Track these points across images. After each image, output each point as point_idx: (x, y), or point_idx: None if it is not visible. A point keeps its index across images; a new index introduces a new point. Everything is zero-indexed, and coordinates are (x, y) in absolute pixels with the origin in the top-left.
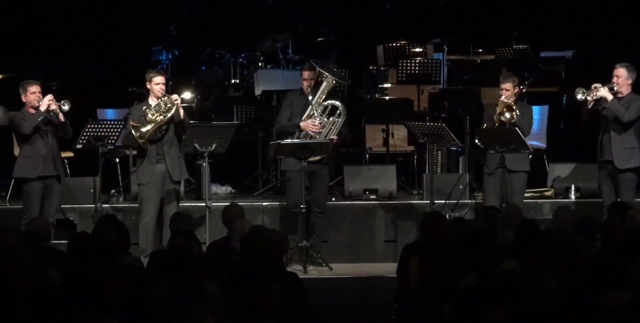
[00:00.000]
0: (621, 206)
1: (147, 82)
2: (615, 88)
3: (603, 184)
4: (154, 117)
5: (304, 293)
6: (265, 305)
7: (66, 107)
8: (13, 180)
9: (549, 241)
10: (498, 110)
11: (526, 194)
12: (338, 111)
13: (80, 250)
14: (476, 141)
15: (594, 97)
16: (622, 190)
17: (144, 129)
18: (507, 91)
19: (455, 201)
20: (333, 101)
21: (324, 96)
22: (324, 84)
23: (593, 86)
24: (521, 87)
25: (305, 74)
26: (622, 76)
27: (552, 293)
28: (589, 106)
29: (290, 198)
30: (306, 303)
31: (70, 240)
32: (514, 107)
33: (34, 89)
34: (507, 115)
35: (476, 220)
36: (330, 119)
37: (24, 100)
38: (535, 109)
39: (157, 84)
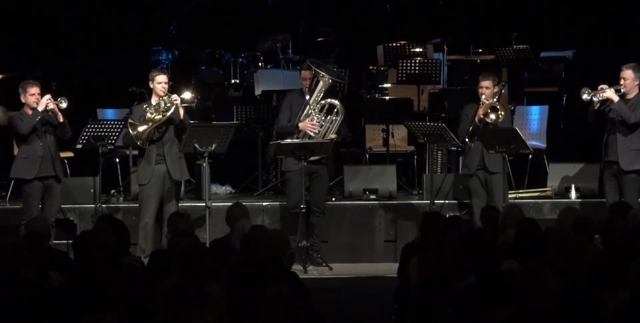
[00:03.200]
0: (622, 206)
1: (150, 81)
2: (623, 90)
3: (607, 184)
4: (152, 116)
5: (306, 293)
6: (267, 305)
7: (64, 105)
8: (13, 180)
9: (550, 241)
10: (482, 111)
11: (526, 195)
12: (336, 109)
13: (83, 249)
14: (466, 140)
15: (600, 98)
16: (626, 191)
17: (141, 129)
18: (487, 89)
19: (456, 201)
20: (330, 100)
21: (321, 95)
22: (321, 83)
23: (600, 86)
24: (501, 86)
25: (304, 73)
26: (629, 77)
27: (551, 293)
28: (595, 107)
29: (291, 198)
30: (308, 304)
31: (73, 239)
32: (498, 108)
33: (34, 90)
34: (492, 116)
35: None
36: (328, 117)
37: (23, 100)
38: (535, 109)
39: (160, 83)
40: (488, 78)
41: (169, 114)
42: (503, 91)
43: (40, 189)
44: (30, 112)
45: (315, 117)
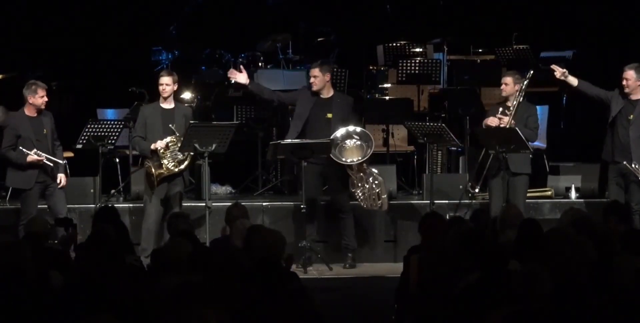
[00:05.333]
0: (618, 206)
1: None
2: (626, 91)
3: (612, 183)
4: (167, 167)
5: (306, 293)
6: (273, 306)
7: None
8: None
9: (551, 241)
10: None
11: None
12: (374, 175)
13: (94, 248)
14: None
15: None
16: (632, 189)
17: (158, 172)
18: (507, 85)
19: (456, 201)
20: (368, 171)
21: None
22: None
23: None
24: (523, 82)
25: (311, 71)
26: (631, 78)
27: (546, 294)
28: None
29: (307, 193)
30: (311, 304)
31: (89, 236)
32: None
33: (43, 92)
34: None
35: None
36: (370, 181)
37: (30, 101)
38: None
39: (161, 84)
40: (509, 75)
41: (184, 166)
42: (523, 87)
43: (38, 190)
44: (31, 113)
45: (359, 190)
